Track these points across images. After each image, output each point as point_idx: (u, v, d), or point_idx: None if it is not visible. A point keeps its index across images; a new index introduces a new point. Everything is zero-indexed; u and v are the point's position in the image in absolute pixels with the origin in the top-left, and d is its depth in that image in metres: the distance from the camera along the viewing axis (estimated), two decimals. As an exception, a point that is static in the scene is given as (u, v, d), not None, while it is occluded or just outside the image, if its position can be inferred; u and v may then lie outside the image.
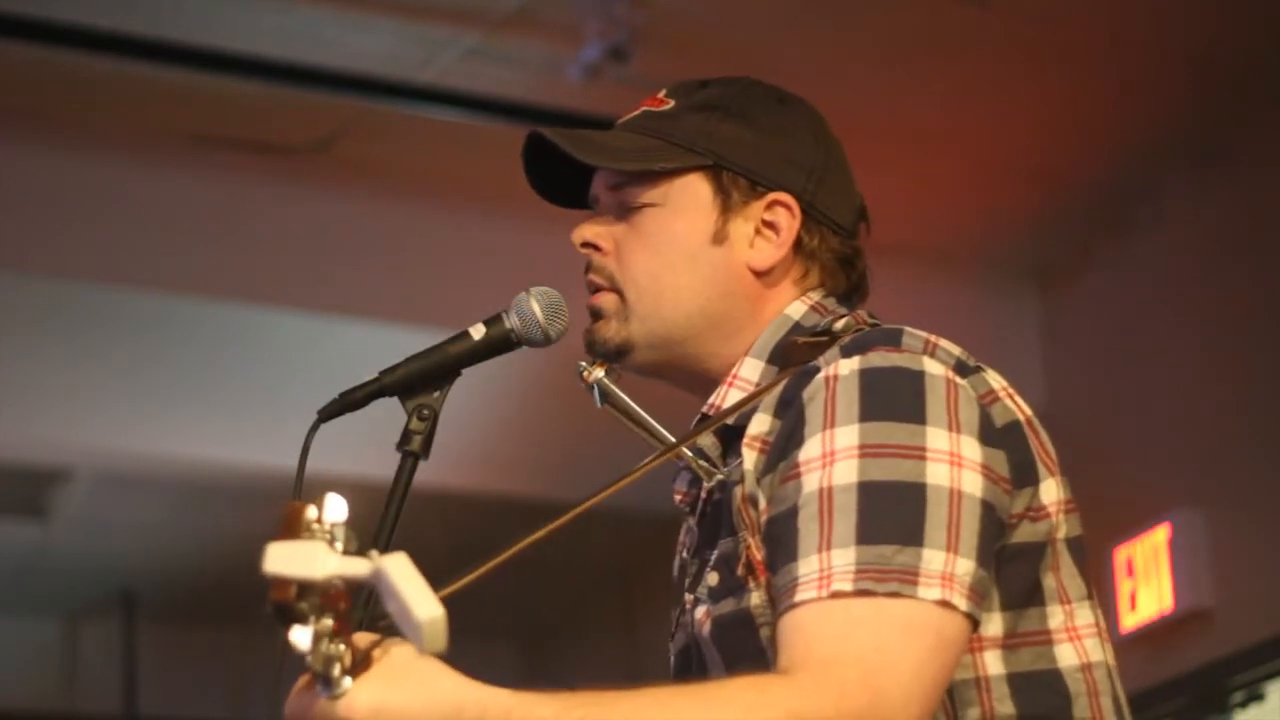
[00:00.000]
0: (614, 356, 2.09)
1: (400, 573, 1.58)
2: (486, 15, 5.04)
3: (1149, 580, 5.70)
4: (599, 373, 2.11)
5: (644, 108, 2.14)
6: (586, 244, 2.12)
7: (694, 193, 2.09)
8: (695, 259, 2.07)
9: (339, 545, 1.61)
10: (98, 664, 8.17)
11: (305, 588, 1.58)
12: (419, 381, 2.08)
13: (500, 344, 2.10)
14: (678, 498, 2.14)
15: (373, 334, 5.70)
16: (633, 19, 4.99)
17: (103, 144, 5.43)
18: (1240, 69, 5.37)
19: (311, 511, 1.61)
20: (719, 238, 2.08)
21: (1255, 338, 5.59)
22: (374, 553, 1.61)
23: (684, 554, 2.10)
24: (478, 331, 2.10)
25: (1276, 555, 5.45)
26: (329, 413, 2.07)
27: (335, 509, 1.62)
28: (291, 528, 1.60)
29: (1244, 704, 5.52)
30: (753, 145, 2.09)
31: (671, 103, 2.12)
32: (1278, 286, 5.55)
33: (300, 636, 1.59)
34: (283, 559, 1.58)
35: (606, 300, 2.10)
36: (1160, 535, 5.66)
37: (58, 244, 5.42)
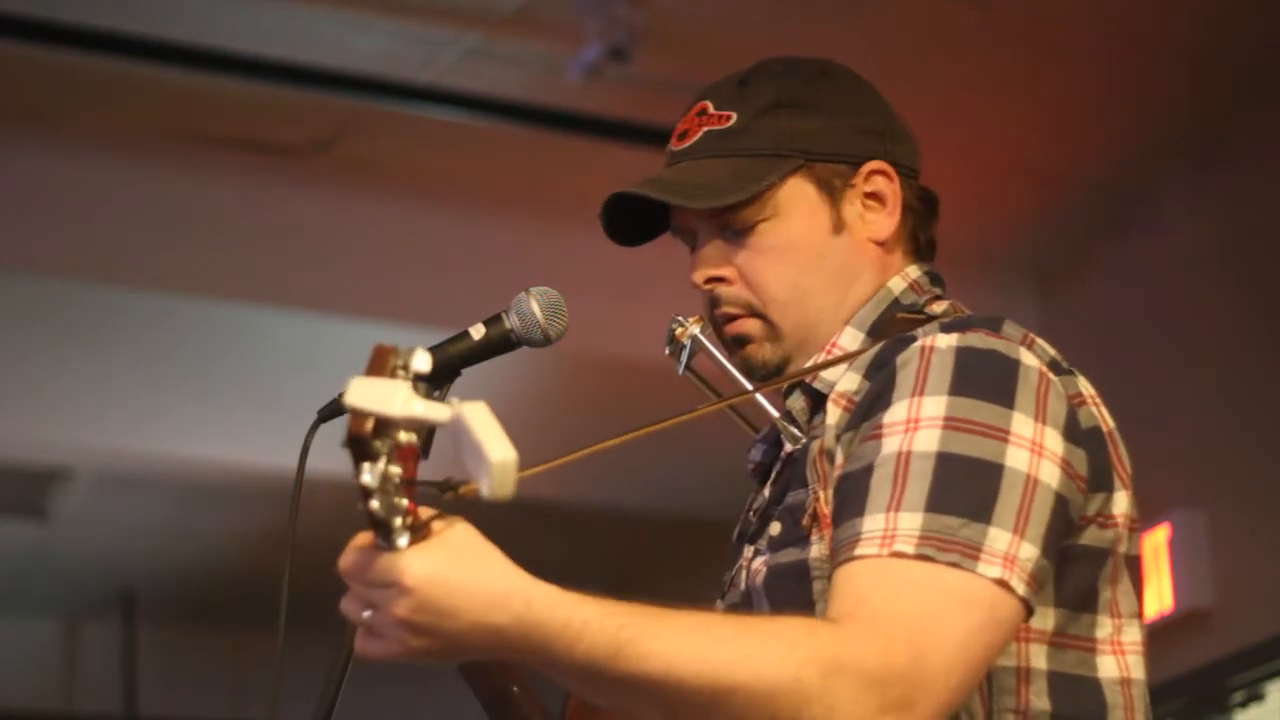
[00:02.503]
0: (774, 373, 2.10)
1: (479, 418, 1.57)
2: (486, 15, 5.04)
3: (1149, 580, 5.70)
4: (695, 328, 2.13)
5: (705, 129, 2.13)
6: (711, 279, 2.11)
7: (800, 194, 2.10)
8: (824, 255, 2.10)
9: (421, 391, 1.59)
10: (98, 664, 8.17)
11: (382, 425, 1.57)
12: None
13: (500, 344, 2.10)
14: (750, 468, 2.15)
15: (373, 334, 5.69)
16: (633, 19, 4.99)
17: (103, 144, 5.43)
18: (1240, 69, 5.37)
19: (400, 356, 1.60)
20: (838, 227, 2.10)
21: (1255, 337, 5.59)
22: (454, 400, 1.60)
23: (749, 514, 2.10)
24: (478, 331, 2.09)
25: (1276, 555, 5.45)
26: (329, 413, 2.07)
27: (421, 361, 1.61)
28: (379, 365, 1.59)
29: (1244, 704, 5.52)
30: (828, 130, 2.11)
31: (732, 115, 2.12)
32: (1278, 286, 5.55)
33: (369, 475, 1.58)
34: (365, 392, 1.56)
35: (750, 326, 2.10)
36: (1160, 535, 5.66)
37: (58, 244, 5.42)
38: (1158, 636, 5.71)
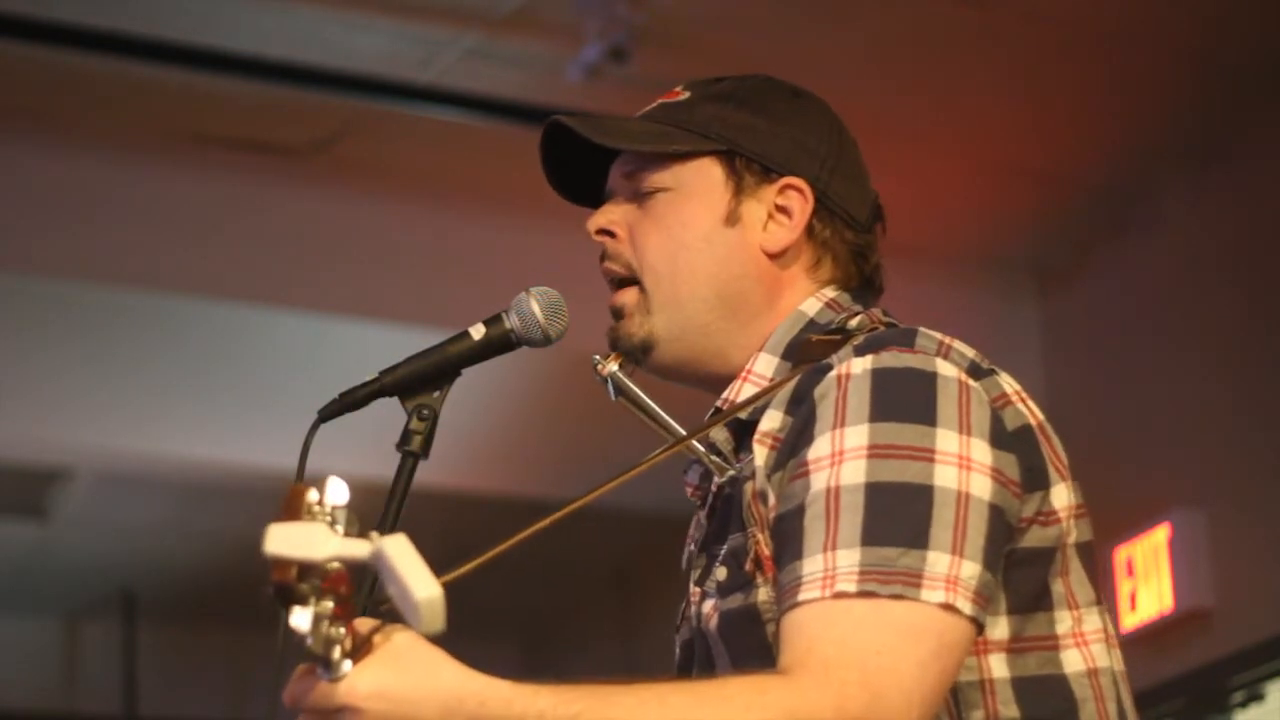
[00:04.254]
0: (639, 353, 2.10)
1: (400, 553, 1.58)
2: (486, 15, 5.04)
3: (1149, 580, 5.70)
4: (613, 366, 2.12)
5: (660, 101, 2.16)
6: (601, 230, 2.12)
7: (707, 176, 2.10)
8: (709, 240, 2.08)
9: (340, 528, 1.60)
10: (98, 664, 8.18)
11: (306, 569, 1.58)
12: (419, 381, 2.08)
13: (500, 344, 2.10)
14: (689, 490, 2.14)
15: (373, 334, 5.70)
16: (633, 19, 4.99)
17: (102, 144, 5.43)
18: (1240, 69, 5.37)
19: (313, 494, 1.61)
20: (731, 219, 2.09)
21: (1255, 337, 5.59)
22: (374, 534, 1.60)
23: (692, 547, 2.10)
24: (478, 331, 2.09)
25: (1276, 555, 5.45)
26: (329, 413, 2.07)
27: (336, 492, 1.62)
28: (293, 509, 1.60)
29: (1244, 704, 5.52)
30: (766, 132, 2.10)
31: (687, 95, 2.14)
32: (1277, 286, 5.55)
33: (300, 618, 1.59)
34: (283, 540, 1.57)
35: (628, 297, 2.11)
36: (1160, 535, 5.66)
37: (58, 244, 5.42)
38: (1158, 636, 5.71)
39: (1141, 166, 5.74)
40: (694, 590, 2.05)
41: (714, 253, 2.08)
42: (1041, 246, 6.11)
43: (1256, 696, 5.49)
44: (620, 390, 2.12)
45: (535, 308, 2.09)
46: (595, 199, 2.18)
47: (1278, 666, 5.43)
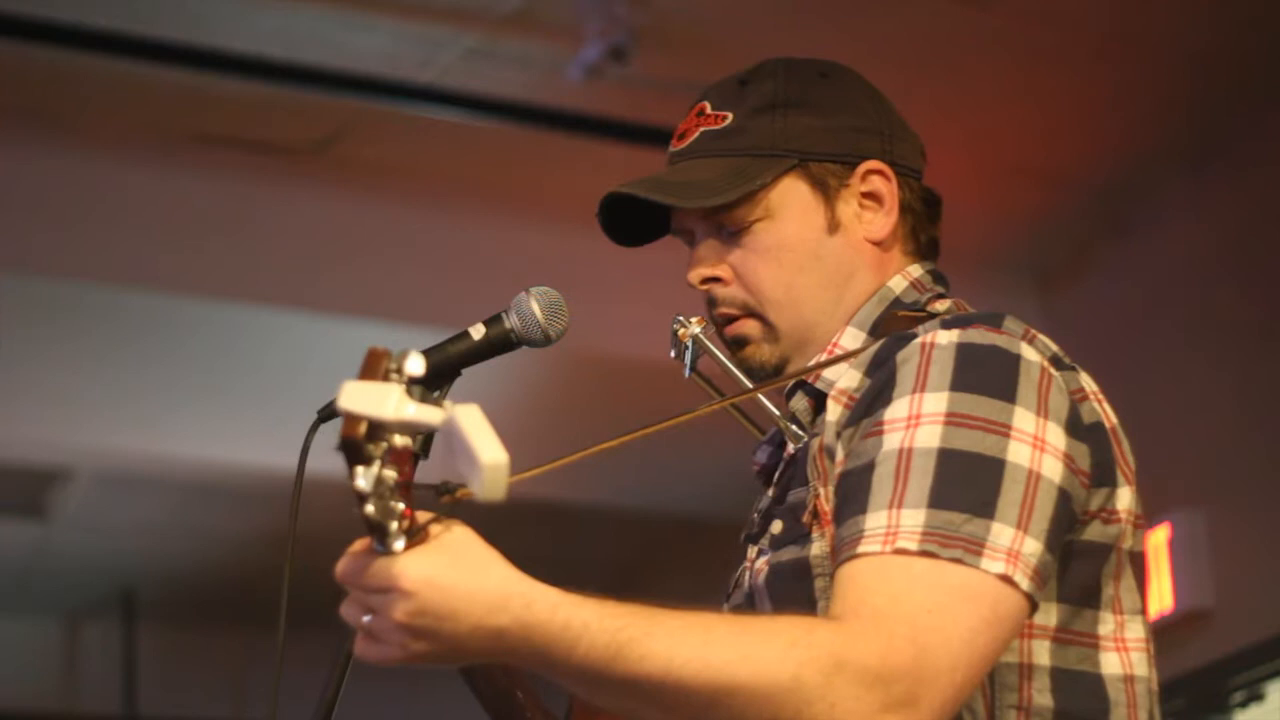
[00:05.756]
0: (773, 373, 2.10)
1: (472, 420, 1.57)
2: (486, 15, 5.04)
3: (1149, 580, 5.70)
4: (696, 329, 2.13)
5: (701, 129, 2.13)
6: (707, 280, 2.12)
7: (795, 194, 2.10)
8: (819, 255, 2.10)
9: (415, 394, 1.59)
10: (98, 664, 8.17)
11: (376, 429, 1.56)
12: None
13: (500, 344, 2.10)
14: (755, 468, 2.15)
15: (373, 334, 5.69)
16: (633, 19, 4.99)
17: (103, 144, 5.43)
18: (1240, 69, 5.37)
19: (393, 359, 1.59)
20: (833, 226, 2.10)
21: (1255, 337, 5.59)
22: (448, 403, 1.59)
23: (754, 516, 2.10)
24: (478, 331, 2.09)
25: (1276, 555, 5.45)
26: (329, 413, 2.07)
27: (414, 364, 1.60)
28: (371, 369, 1.59)
29: (1244, 704, 5.52)
30: (825, 129, 2.11)
31: (728, 115, 2.13)
32: (1277, 286, 5.55)
33: (364, 479, 1.57)
34: (358, 396, 1.56)
35: (748, 327, 2.11)
36: (1160, 535, 5.66)
37: (58, 244, 5.42)
38: (1158, 636, 5.68)
39: (1141, 166, 5.74)
40: (750, 550, 2.05)
41: (828, 265, 2.10)
42: (1041, 246, 6.11)
43: (1256, 696, 5.49)
44: (701, 352, 2.12)
45: (535, 308, 2.09)
46: (639, 235, 2.17)
47: (1278, 666, 5.43)
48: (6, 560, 7.54)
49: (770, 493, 2.09)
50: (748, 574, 2.03)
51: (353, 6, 5.00)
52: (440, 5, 5.00)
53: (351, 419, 1.56)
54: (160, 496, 7.02)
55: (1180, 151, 5.68)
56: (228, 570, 7.50)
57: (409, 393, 1.58)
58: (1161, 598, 5.67)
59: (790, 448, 2.06)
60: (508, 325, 2.10)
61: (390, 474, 1.58)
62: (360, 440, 1.56)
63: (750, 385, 2.10)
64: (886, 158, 2.13)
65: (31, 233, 5.40)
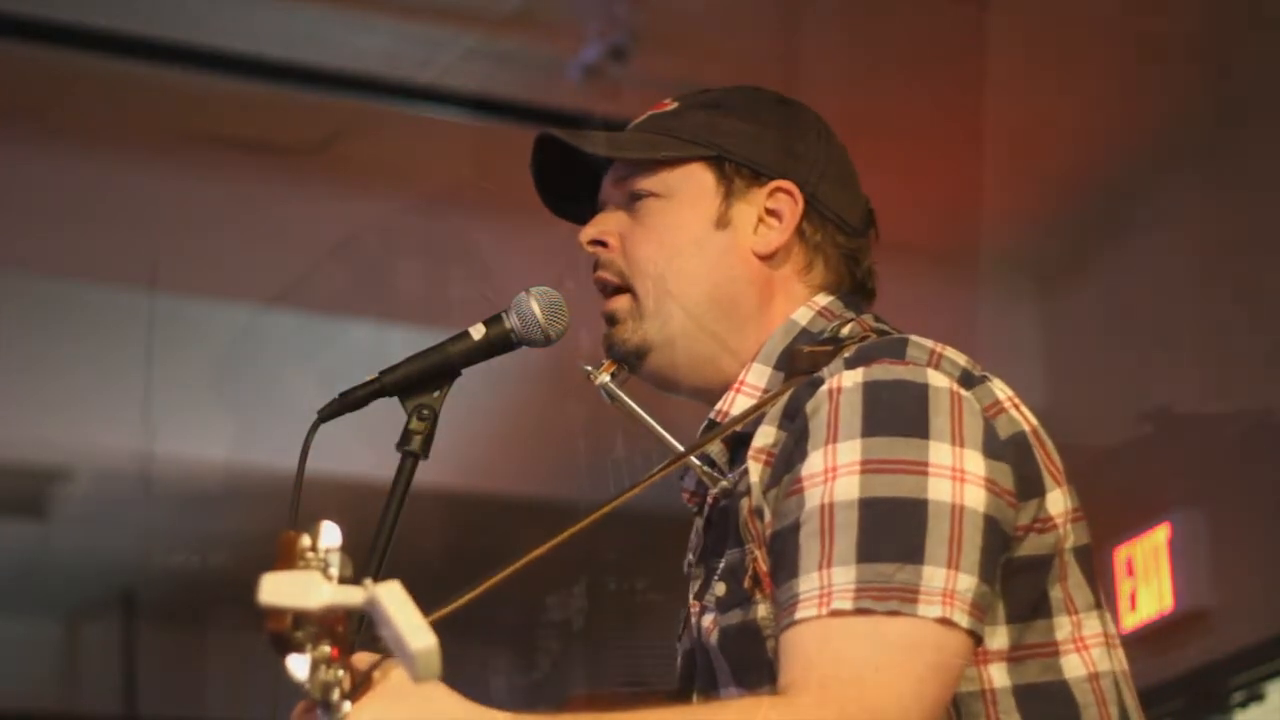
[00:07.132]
0: (633, 359, 2.10)
1: (393, 602, 1.58)
2: (486, 15, 5.03)
3: (1149, 580, 5.70)
4: (604, 376, 2.12)
5: (650, 112, 2.17)
6: (593, 241, 2.13)
7: (697, 181, 2.11)
8: (700, 244, 2.09)
9: (334, 571, 1.60)
10: (98, 664, 8.17)
11: (301, 617, 1.59)
12: (419, 381, 2.08)
13: (500, 344, 2.10)
14: (685, 496, 2.14)
15: (373, 334, 5.70)
16: (633, 19, 4.99)
17: (103, 144, 5.42)
18: (1241, 69, 5.37)
19: (306, 540, 1.61)
20: (722, 222, 2.10)
21: (1255, 337, 5.59)
22: (368, 581, 1.60)
23: (691, 557, 2.10)
24: (478, 331, 2.10)
25: (1276, 555, 5.44)
26: (329, 413, 2.07)
27: (329, 535, 1.62)
28: (286, 557, 1.60)
29: (1244, 704, 5.51)
30: (755, 137, 2.11)
31: (675, 105, 2.16)
32: (1277, 286, 5.55)
33: (297, 665, 1.60)
34: (278, 589, 1.58)
35: (620, 303, 2.11)
36: (1160, 535, 5.65)
37: (58, 244, 5.42)
38: (1158, 636, 5.70)
39: (1142, 166, 5.73)
40: (693, 603, 2.05)
41: (705, 256, 2.08)
42: (1041, 246, 6.11)
43: (1256, 696, 5.49)
44: (613, 399, 2.11)
45: (535, 308, 2.10)
46: (585, 214, 2.19)
47: (1278, 666, 5.43)
48: (6, 560, 7.54)
49: (704, 533, 2.07)
50: (695, 625, 2.03)
51: (353, 6, 5.00)
52: (440, 5, 5.00)
53: (276, 614, 1.58)
54: (160, 496, 7.01)
55: (1180, 151, 5.68)
56: (228, 570, 7.49)
57: (329, 566, 1.60)
58: (1161, 598, 5.66)
59: (710, 489, 2.05)
60: (508, 325, 2.10)
61: (324, 649, 1.61)
62: (288, 632, 1.59)
63: (676, 444, 2.07)
64: (806, 188, 2.10)
65: (31, 233, 5.40)
